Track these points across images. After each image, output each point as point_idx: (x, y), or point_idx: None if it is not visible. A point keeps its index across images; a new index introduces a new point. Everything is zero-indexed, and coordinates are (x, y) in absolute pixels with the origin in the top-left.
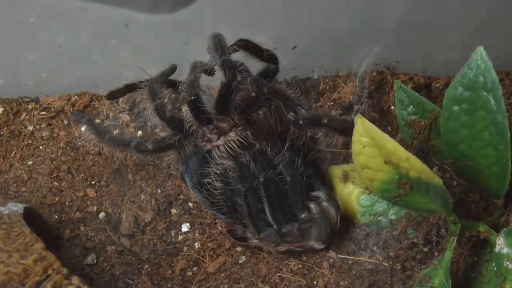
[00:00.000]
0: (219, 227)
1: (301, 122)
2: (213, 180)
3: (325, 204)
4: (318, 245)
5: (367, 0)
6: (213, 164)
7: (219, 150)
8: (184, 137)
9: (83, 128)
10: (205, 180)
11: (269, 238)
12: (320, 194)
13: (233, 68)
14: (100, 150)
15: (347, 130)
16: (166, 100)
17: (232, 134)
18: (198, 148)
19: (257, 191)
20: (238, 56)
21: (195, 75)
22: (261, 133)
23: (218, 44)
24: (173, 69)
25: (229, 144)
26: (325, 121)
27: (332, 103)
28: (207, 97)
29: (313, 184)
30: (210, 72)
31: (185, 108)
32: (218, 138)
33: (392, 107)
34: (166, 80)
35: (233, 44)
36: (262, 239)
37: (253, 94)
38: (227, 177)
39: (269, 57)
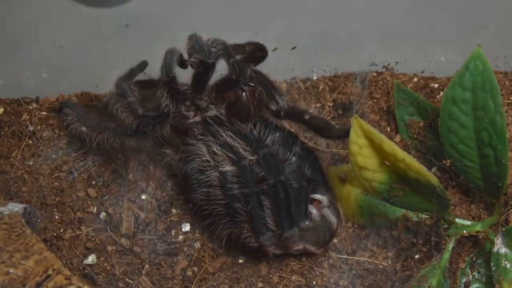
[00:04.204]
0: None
1: (282, 114)
2: (212, 185)
3: (326, 210)
4: (315, 250)
5: (366, 0)
6: (213, 168)
7: (215, 150)
8: (163, 122)
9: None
10: (203, 185)
11: (268, 242)
12: (323, 199)
13: (210, 48)
14: (78, 134)
15: (325, 130)
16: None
17: (209, 111)
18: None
19: (259, 195)
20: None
21: (171, 57)
22: (238, 115)
23: (194, 38)
24: (142, 66)
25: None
26: (307, 117)
27: (332, 103)
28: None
29: (317, 189)
30: (185, 63)
31: (161, 91)
32: (195, 115)
33: (391, 107)
34: (151, 80)
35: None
36: (261, 242)
37: (234, 76)
38: (226, 182)
39: (253, 49)
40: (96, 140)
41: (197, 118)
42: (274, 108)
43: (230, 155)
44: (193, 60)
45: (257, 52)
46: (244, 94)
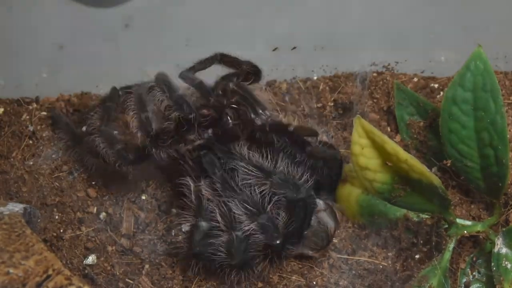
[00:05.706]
0: None
1: (267, 128)
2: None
3: (323, 213)
4: (312, 253)
5: (367, 0)
6: (223, 232)
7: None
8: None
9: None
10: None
11: None
12: (320, 202)
13: (187, 102)
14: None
15: (307, 145)
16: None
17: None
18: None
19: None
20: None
21: (146, 118)
22: (228, 141)
23: (164, 82)
24: (114, 96)
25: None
26: (291, 129)
27: (332, 104)
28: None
29: (320, 190)
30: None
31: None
32: (186, 146)
33: (391, 107)
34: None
35: (207, 59)
36: None
37: (214, 114)
38: (240, 245)
39: (249, 70)
40: (94, 166)
41: (189, 146)
42: (259, 124)
43: (250, 209)
44: (171, 117)
45: (252, 75)
46: (229, 120)
